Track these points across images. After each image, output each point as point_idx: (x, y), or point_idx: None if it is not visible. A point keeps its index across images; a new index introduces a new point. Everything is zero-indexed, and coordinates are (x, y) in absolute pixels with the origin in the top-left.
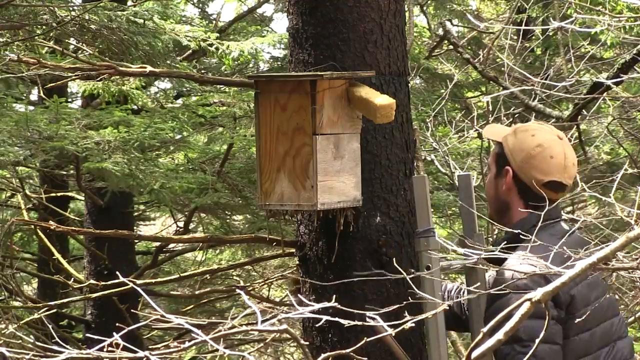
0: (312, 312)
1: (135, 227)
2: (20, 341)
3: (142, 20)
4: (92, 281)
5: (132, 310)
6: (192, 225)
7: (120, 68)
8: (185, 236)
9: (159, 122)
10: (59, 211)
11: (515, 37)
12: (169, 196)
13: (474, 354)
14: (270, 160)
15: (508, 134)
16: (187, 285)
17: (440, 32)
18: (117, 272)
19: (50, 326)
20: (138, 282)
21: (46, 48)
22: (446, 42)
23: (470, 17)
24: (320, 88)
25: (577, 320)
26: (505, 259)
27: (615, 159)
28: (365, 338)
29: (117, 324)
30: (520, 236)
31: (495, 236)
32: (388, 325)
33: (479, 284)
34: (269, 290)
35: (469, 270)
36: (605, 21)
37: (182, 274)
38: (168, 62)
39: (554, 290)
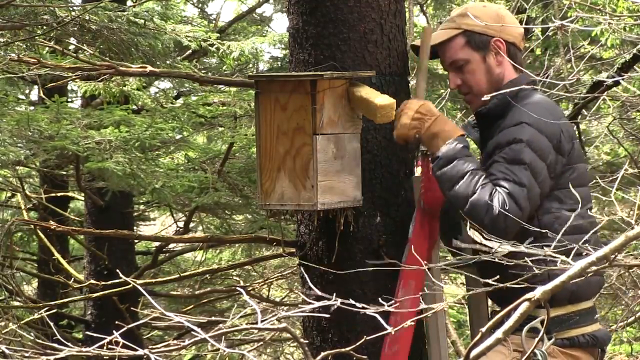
0: (313, 310)
1: (135, 227)
2: (20, 339)
3: (142, 21)
4: (92, 281)
5: (132, 309)
6: (192, 225)
7: (121, 68)
8: (186, 236)
9: (160, 122)
10: (59, 211)
11: None
12: (170, 195)
13: (473, 353)
14: (270, 160)
15: (461, 22)
16: (187, 285)
17: None
18: (118, 272)
19: (50, 325)
20: (138, 282)
21: (47, 48)
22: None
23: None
24: (320, 88)
25: (573, 174)
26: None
27: (615, 159)
28: (365, 337)
29: (117, 323)
30: (511, 98)
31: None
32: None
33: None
34: (269, 290)
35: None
36: (606, 20)
37: (182, 274)
38: (168, 62)
39: (553, 289)
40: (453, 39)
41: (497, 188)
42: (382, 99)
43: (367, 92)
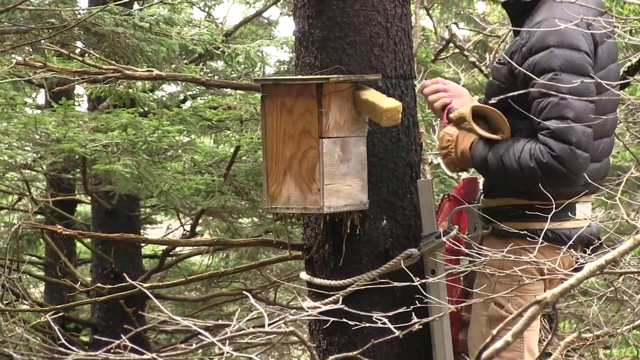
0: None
1: (141, 231)
2: (27, 343)
3: (148, 25)
4: (98, 284)
5: (139, 313)
6: (198, 229)
7: (127, 71)
8: (192, 239)
9: (167, 125)
10: (65, 214)
11: None
12: (177, 198)
13: (484, 355)
14: (276, 164)
15: None
16: (194, 288)
17: (447, 35)
18: (125, 275)
19: (56, 329)
20: (145, 285)
21: (53, 51)
22: (452, 45)
23: (478, 19)
24: (326, 91)
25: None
26: None
27: (622, 163)
28: (372, 341)
29: (124, 327)
30: None
31: None
32: (395, 327)
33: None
34: (275, 294)
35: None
36: (612, 24)
37: (188, 277)
38: (174, 66)
39: (562, 291)
40: None
41: (539, 136)
42: (388, 102)
43: (373, 96)
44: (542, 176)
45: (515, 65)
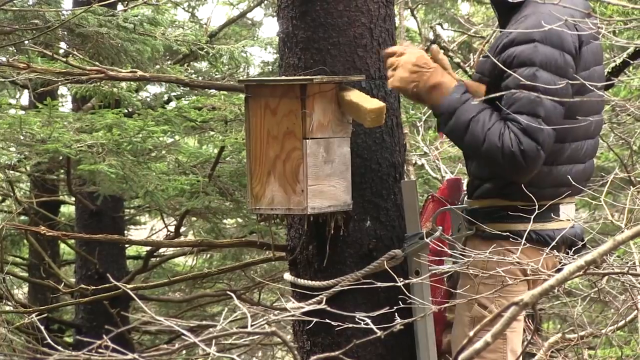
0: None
1: (125, 232)
2: (11, 343)
3: (132, 26)
4: (82, 285)
5: (123, 314)
6: (182, 230)
7: (111, 72)
8: (176, 240)
9: (152, 125)
10: (49, 215)
11: None
12: (162, 198)
13: (461, 357)
14: (260, 164)
15: None
16: (178, 289)
17: (431, 36)
18: (109, 276)
19: (42, 328)
20: (129, 286)
21: (36, 52)
22: (437, 46)
23: (462, 20)
24: (310, 92)
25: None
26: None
27: (605, 164)
28: (355, 341)
29: (108, 328)
30: None
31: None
32: (378, 328)
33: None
34: (259, 295)
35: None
36: (597, 24)
37: (172, 278)
38: (158, 66)
39: (542, 292)
40: None
41: (509, 124)
42: (372, 103)
43: (357, 96)
44: (500, 160)
45: (492, 57)
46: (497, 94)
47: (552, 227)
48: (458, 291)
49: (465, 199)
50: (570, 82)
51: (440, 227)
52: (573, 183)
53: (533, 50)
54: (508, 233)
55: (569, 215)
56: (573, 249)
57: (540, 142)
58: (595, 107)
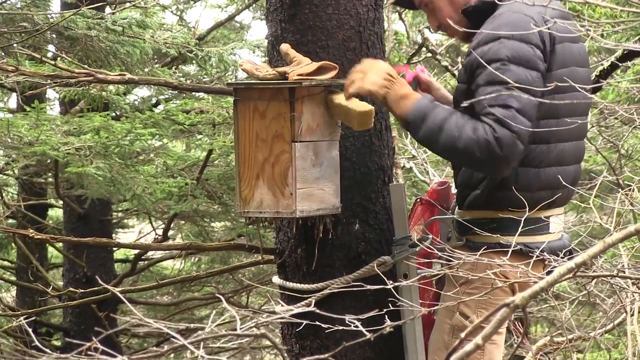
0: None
1: (113, 235)
2: None
3: (120, 29)
4: (70, 289)
5: (111, 317)
6: (171, 233)
7: (99, 75)
8: (164, 244)
9: (140, 128)
10: (37, 219)
11: None
12: (150, 201)
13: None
14: (249, 168)
15: None
16: (166, 293)
17: (419, 39)
18: (97, 279)
19: (30, 331)
20: (117, 289)
21: (25, 55)
22: (425, 49)
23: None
24: (299, 95)
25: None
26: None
27: (593, 167)
28: (344, 343)
29: (96, 330)
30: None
31: None
32: (367, 331)
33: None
34: (247, 298)
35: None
36: (585, 27)
37: (160, 282)
38: (147, 69)
39: (532, 294)
40: None
41: (483, 118)
42: (361, 106)
43: (345, 99)
44: (477, 153)
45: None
46: (468, 102)
47: (541, 239)
48: (443, 296)
49: (456, 209)
50: (538, 74)
51: (431, 236)
52: (564, 184)
53: (500, 46)
54: (497, 244)
55: (558, 228)
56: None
57: (515, 131)
58: (579, 108)
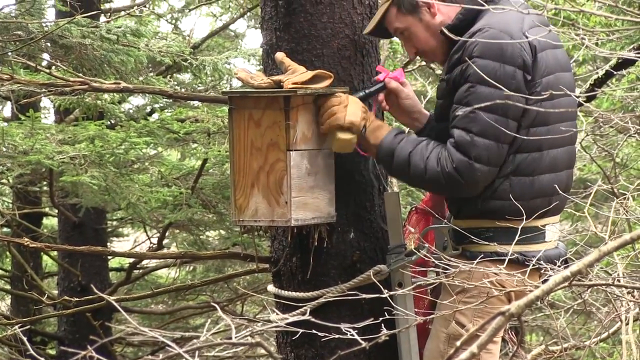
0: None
1: (108, 244)
2: None
3: (115, 37)
4: (65, 297)
5: (106, 325)
6: (165, 242)
7: (94, 84)
8: (159, 252)
9: (134, 137)
10: (32, 227)
11: None
12: (145, 210)
13: None
14: (244, 176)
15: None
16: (161, 301)
17: None
18: (92, 287)
19: (24, 340)
20: (112, 298)
21: (19, 64)
22: (419, 58)
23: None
24: (294, 104)
25: (538, 90)
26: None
27: (588, 175)
28: (339, 353)
29: (91, 339)
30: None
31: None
32: (362, 339)
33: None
34: (242, 307)
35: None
36: (579, 35)
37: (155, 290)
38: (141, 78)
39: (528, 303)
40: (387, 12)
41: (448, 143)
42: (344, 134)
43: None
44: (444, 183)
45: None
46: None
47: (537, 248)
48: (439, 303)
49: (452, 219)
50: (512, 94)
51: (426, 244)
52: (560, 192)
53: (471, 66)
54: (494, 253)
55: (554, 236)
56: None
57: (472, 156)
58: (569, 114)
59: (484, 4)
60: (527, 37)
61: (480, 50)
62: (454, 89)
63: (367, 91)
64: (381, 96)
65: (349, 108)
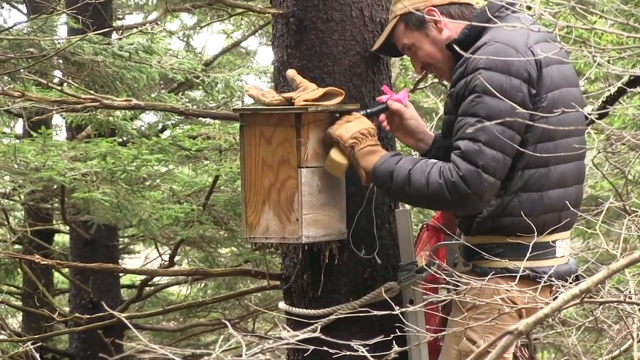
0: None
1: (120, 261)
2: None
3: (127, 54)
4: (76, 314)
5: (116, 342)
6: (177, 259)
7: (105, 101)
8: (171, 269)
9: (146, 154)
10: (43, 244)
11: None
12: (157, 227)
13: None
14: (255, 193)
15: (395, 9)
16: (172, 318)
17: None
18: (103, 304)
19: (35, 359)
20: (123, 315)
21: (31, 81)
22: (431, 75)
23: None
24: (305, 121)
25: (544, 104)
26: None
27: (600, 193)
28: None
29: (102, 357)
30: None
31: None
32: (372, 356)
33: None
34: (254, 324)
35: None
36: (591, 53)
37: (166, 307)
38: (153, 95)
39: (536, 321)
40: (395, 28)
41: (452, 156)
42: (336, 154)
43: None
44: (447, 196)
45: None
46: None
47: (548, 264)
48: (450, 320)
49: (462, 235)
50: (516, 106)
51: (437, 261)
52: (568, 205)
53: (477, 77)
54: (505, 269)
55: (565, 252)
56: (568, 281)
57: (480, 165)
58: (576, 129)
59: (491, 17)
60: (532, 52)
61: (486, 63)
62: (457, 102)
63: (368, 111)
64: (382, 117)
65: (349, 124)
